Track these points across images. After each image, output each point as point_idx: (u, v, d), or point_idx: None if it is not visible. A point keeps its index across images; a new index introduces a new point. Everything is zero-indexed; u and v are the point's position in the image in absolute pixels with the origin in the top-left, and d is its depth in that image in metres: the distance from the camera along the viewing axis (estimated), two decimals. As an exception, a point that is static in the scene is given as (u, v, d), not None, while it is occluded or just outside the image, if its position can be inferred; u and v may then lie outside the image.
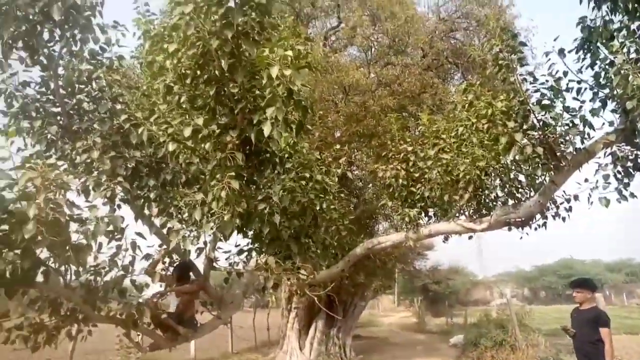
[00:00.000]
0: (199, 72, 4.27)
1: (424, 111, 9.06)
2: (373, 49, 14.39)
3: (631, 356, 10.30)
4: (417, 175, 7.12)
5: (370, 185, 12.63)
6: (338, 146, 8.43)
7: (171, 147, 4.46)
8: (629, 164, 5.31)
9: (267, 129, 3.81)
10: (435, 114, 10.46)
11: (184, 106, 4.51)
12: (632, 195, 5.38)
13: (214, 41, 3.89)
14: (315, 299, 5.75)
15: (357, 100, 11.86)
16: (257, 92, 4.17)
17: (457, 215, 6.77)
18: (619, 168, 5.36)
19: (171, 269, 5.55)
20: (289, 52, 3.67)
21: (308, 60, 4.28)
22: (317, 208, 5.63)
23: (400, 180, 7.15)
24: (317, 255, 5.78)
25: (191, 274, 5.54)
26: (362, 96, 11.89)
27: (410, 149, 7.31)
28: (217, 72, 4.17)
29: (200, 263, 5.39)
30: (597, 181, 5.36)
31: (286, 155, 5.51)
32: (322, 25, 15.77)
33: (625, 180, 5.37)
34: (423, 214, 7.36)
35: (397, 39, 13.71)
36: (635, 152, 5.27)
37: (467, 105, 6.17)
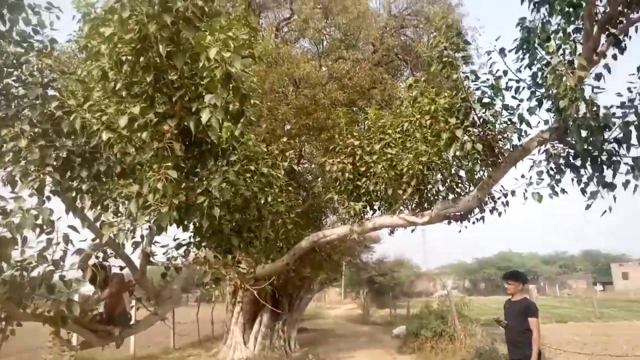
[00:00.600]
0: (136, 58, 4.07)
1: (373, 106, 9.14)
2: (325, 42, 14.40)
3: (560, 343, 10.90)
4: (363, 169, 7.20)
5: (319, 178, 12.64)
6: (285, 139, 8.33)
7: (105, 135, 4.23)
8: (561, 161, 5.54)
9: (205, 116, 3.67)
10: (383, 109, 10.57)
11: (120, 93, 4.29)
12: (563, 191, 5.63)
13: (152, 25, 3.72)
14: (256, 293, 5.67)
15: (307, 93, 11.80)
16: (198, 80, 4.02)
17: (400, 208, 6.88)
18: (552, 165, 5.59)
19: (105, 263, 5.27)
20: (230, 34, 3.55)
21: (252, 50, 4.17)
22: (262, 201, 5.54)
23: (347, 174, 7.22)
24: (259, 250, 5.69)
25: (109, 273, 5.29)
26: (313, 89, 11.84)
27: (357, 143, 7.38)
28: (156, 59, 4.00)
29: (136, 258, 5.17)
30: (531, 177, 5.57)
31: (230, 147, 5.37)
32: (274, 15, 15.64)
33: (557, 177, 5.61)
34: (368, 208, 7.45)
35: (349, 34, 13.82)
36: (567, 149, 5.51)
37: (412, 101, 6.27)
